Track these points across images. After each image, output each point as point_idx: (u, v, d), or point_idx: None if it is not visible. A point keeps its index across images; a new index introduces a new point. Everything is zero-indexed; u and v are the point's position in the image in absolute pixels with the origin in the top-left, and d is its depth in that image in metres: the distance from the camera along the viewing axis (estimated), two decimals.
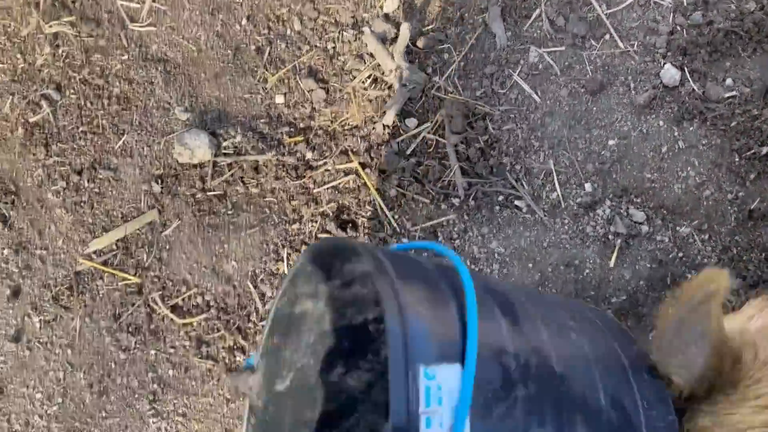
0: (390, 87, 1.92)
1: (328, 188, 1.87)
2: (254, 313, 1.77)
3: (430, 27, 1.97)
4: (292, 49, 2.02)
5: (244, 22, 2.05)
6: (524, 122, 1.85)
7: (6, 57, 2.07)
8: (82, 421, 1.74)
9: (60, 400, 1.76)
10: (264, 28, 2.04)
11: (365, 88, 1.94)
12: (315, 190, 1.88)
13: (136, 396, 1.74)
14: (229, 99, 1.99)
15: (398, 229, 1.81)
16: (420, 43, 1.95)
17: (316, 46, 2.01)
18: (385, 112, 1.90)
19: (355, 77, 1.96)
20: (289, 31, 2.03)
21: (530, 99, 1.86)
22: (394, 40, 1.95)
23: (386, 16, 2.01)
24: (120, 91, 2.01)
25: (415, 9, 2.00)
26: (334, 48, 2.00)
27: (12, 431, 1.75)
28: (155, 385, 1.74)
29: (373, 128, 1.91)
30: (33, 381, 1.78)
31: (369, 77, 1.95)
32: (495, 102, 1.88)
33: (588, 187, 1.78)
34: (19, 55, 2.07)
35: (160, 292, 1.81)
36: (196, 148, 1.90)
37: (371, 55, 1.96)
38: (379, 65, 1.94)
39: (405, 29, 1.88)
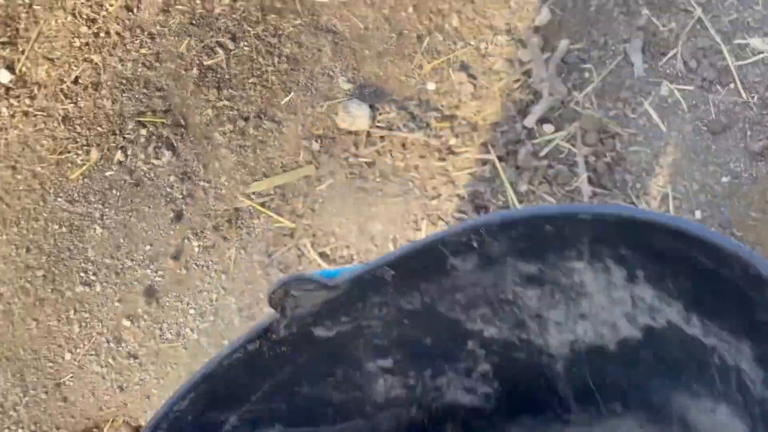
0: (535, 93, 2.06)
1: (466, 173, 2.02)
2: None
3: (575, 46, 2.10)
4: (448, 42, 2.14)
5: (410, 10, 2.16)
6: (649, 147, 2.01)
7: (186, 1, 2.16)
8: (230, 340, 1.88)
9: (212, 318, 1.90)
10: (426, 19, 2.16)
11: (511, 90, 2.08)
12: (453, 174, 2.02)
13: None
14: (387, 78, 2.11)
15: None
16: (565, 59, 2.09)
17: (470, 44, 2.14)
18: (526, 115, 2.05)
19: (502, 78, 2.10)
20: (447, 26, 2.15)
21: (657, 128, 2.02)
22: (542, 51, 2.09)
23: (536, 29, 2.14)
24: (290, 52, 2.12)
25: (564, 27, 2.13)
26: (486, 48, 2.13)
27: (163, 338, 1.90)
28: None
29: (513, 127, 2.05)
30: (187, 298, 1.92)
31: (517, 81, 2.09)
32: (625, 124, 2.03)
33: (698, 214, 1.94)
34: (198, 1, 2.16)
35: (311, 239, 1.95)
36: (358, 117, 2.02)
37: (520, 62, 2.10)
38: (527, 71, 2.08)
39: (564, 45, 2.01)
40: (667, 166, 1.98)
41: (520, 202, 1.96)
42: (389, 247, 1.94)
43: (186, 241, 1.95)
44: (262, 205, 1.98)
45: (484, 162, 2.01)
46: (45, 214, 1.97)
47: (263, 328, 0.78)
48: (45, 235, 1.95)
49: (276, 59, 2.10)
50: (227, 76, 2.09)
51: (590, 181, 1.98)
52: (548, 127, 2.05)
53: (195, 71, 2.09)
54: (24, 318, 1.90)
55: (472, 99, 2.08)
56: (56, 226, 1.96)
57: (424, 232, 1.94)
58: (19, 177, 1.99)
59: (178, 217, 1.97)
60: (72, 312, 1.90)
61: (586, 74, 2.07)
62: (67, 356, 1.88)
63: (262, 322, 0.79)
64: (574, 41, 2.10)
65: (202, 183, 2.00)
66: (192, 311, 1.90)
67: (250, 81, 2.08)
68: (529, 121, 2.02)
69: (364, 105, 2.03)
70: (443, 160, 2.02)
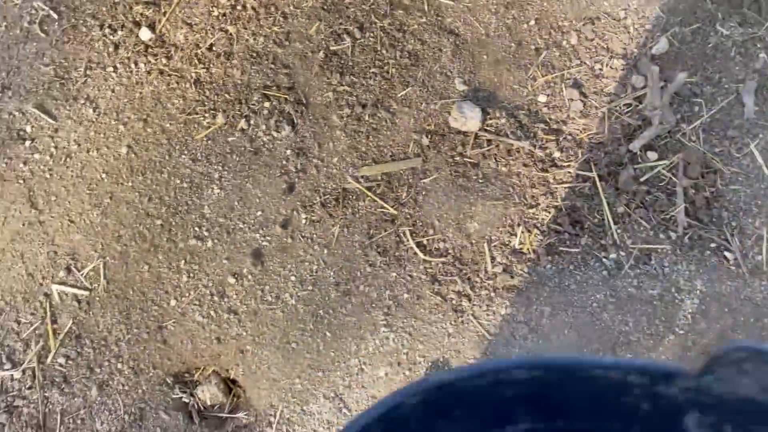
0: (644, 120, 2.08)
1: (565, 187, 2.05)
2: (483, 272, 1.98)
3: (689, 80, 2.11)
4: (564, 59, 2.17)
5: (532, 23, 2.19)
6: (749, 188, 2.01)
7: None
8: (325, 311, 1.96)
9: (310, 287, 1.98)
10: (546, 33, 2.19)
11: (620, 114, 2.10)
12: (554, 186, 2.06)
13: (373, 305, 1.96)
14: (501, 84, 2.15)
15: (618, 242, 2.00)
16: (678, 91, 2.10)
17: (585, 63, 2.16)
18: (632, 139, 2.07)
19: (613, 101, 2.12)
20: (565, 43, 2.18)
21: (760, 170, 2.02)
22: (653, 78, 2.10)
23: (653, 57, 2.15)
24: (412, 48, 2.17)
25: (680, 59, 2.14)
26: (600, 70, 2.15)
27: (264, 299, 1.99)
28: (390, 302, 1.96)
29: (617, 150, 2.08)
30: (290, 265, 2.00)
31: (627, 105, 2.11)
32: (729, 162, 2.04)
33: None
34: None
35: (410, 228, 2.02)
36: (470, 119, 2.07)
37: (633, 87, 2.12)
38: (639, 97, 2.10)
39: (681, 77, 2.02)
40: (765, 209, 1.99)
41: (615, 222, 1.99)
42: (483, 247, 1.99)
43: (295, 212, 2.03)
44: (369, 189, 2.04)
45: (585, 179, 2.04)
46: (169, 168, 2.07)
47: None
48: (167, 188, 2.05)
49: (398, 53, 2.16)
50: (350, 63, 2.16)
51: (687, 212, 2.00)
52: (652, 155, 2.06)
53: (321, 54, 2.16)
54: (138, 261, 2.01)
55: (580, 116, 2.11)
56: (178, 181, 2.06)
57: (518, 239, 1.99)
58: (149, 130, 2.09)
59: (290, 188, 2.05)
60: (182, 262, 2.00)
61: (696, 108, 2.08)
62: (173, 303, 1.98)
63: None
64: (689, 75, 2.10)
65: (315, 160, 2.08)
66: (293, 278, 1.98)
67: (372, 70, 2.15)
68: (635, 145, 2.04)
69: (477, 108, 2.07)
70: (545, 171, 2.06)
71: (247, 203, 2.04)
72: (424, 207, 2.02)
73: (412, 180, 2.05)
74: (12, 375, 1.94)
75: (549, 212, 2.01)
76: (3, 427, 1.91)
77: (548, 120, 2.11)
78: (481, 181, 2.04)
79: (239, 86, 2.14)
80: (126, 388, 1.93)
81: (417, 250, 1.98)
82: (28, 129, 2.09)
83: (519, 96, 2.13)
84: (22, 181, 2.05)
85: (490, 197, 2.02)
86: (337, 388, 1.90)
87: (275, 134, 2.09)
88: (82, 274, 2.00)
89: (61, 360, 1.95)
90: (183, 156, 2.08)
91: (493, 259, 1.97)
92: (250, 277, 1.98)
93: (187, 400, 1.95)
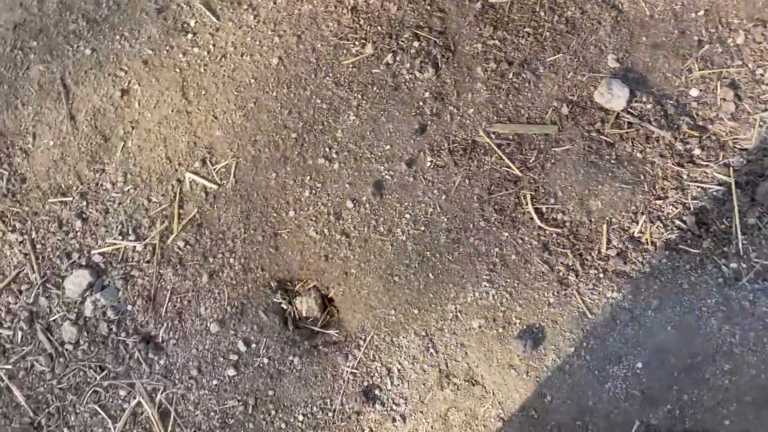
0: None
1: (698, 186, 1.97)
2: (596, 251, 1.94)
3: None
4: (726, 56, 2.06)
5: (700, 13, 2.08)
6: None
7: None
8: (432, 253, 1.98)
9: (422, 228, 2.00)
10: (713, 27, 2.07)
11: None
12: (686, 182, 1.97)
13: (480, 259, 1.96)
14: (654, 70, 2.06)
15: (741, 253, 1.91)
16: None
17: (747, 65, 2.04)
18: None
19: (767, 110, 2.00)
20: (730, 41, 2.06)
21: None
22: None
23: None
24: (571, 15, 2.11)
25: None
26: (762, 75, 2.03)
27: (376, 229, 2.02)
28: (497, 260, 1.95)
29: (762, 160, 1.97)
30: (407, 203, 2.02)
31: None
32: None
33: None
34: None
35: (532, 193, 1.99)
36: (616, 98, 2.00)
37: None
38: None
39: None
40: None
41: (743, 233, 1.90)
42: (602, 228, 1.94)
43: (422, 153, 2.04)
44: (499, 146, 2.02)
45: (721, 183, 1.95)
46: (312, 87, 2.10)
47: None
48: (307, 105, 2.09)
49: (556, 18, 2.10)
50: (506, 19, 2.11)
51: None
52: None
53: (478, 5, 2.13)
54: (267, 168, 2.07)
55: (730, 118, 2.00)
56: (319, 101, 2.09)
57: (639, 227, 1.93)
58: (301, 47, 2.13)
59: (422, 129, 2.05)
60: (308, 178, 2.05)
61: None
62: (291, 213, 2.04)
63: None
64: None
65: (451, 107, 2.07)
66: (407, 216, 2.00)
67: (525, 30, 2.10)
68: None
69: (626, 88, 2.00)
70: (681, 165, 1.97)
71: (378, 135, 2.05)
72: (550, 175, 1.98)
73: (543, 146, 2.01)
74: (134, 246, 2.06)
75: (676, 207, 1.94)
76: (117, 291, 2.05)
77: (695, 115, 2.01)
78: (613, 161, 1.98)
79: (393, 21, 2.14)
80: (233, 282, 2.01)
81: (534, 215, 1.95)
82: (192, 23, 2.17)
83: (670, 85, 2.04)
84: (178, 71, 2.14)
85: (619, 179, 1.96)
86: (430, 328, 1.92)
87: (418, 74, 2.09)
88: (214, 169, 2.08)
89: (180, 243, 2.05)
90: (327, 78, 2.11)
91: (609, 241, 1.93)
92: (367, 205, 2.01)
93: (285, 307, 2.02)
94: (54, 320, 2.02)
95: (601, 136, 2.00)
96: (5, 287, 2.05)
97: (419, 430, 1.88)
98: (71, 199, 2.10)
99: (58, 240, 2.08)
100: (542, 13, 2.09)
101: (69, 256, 2.06)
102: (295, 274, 2.04)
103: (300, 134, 2.07)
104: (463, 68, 2.08)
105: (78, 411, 1.96)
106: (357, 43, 2.11)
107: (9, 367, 2.00)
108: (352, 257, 1.99)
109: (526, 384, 1.83)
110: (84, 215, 2.09)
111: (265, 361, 1.95)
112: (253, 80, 2.10)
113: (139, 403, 1.95)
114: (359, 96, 2.07)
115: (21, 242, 2.08)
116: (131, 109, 2.13)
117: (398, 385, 1.90)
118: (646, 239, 1.91)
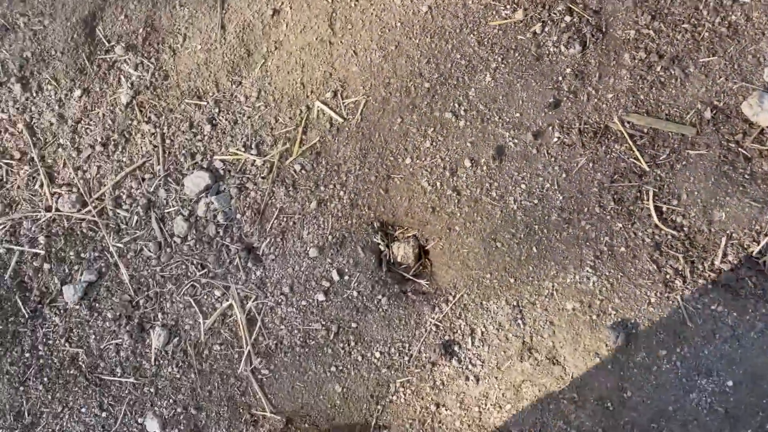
0: None
1: None
2: (709, 261, 1.86)
3: None
4: None
5: None
6: None
7: None
8: (540, 228, 1.95)
9: (535, 201, 1.97)
10: None
11: None
12: None
13: (587, 244, 1.92)
14: None
15: None
16: None
17: None
18: None
19: None
20: None
21: None
22: None
23: None
24: (735, 20, 1.99)
25: None
26: None
27: (488, 194, 2.00)
28: (605, 248, 1.91)
29: None
30: (525, 173, 1.99)
31: None
32: None
33: None
34: None
35: (655, 190, 1.92)
36: (765, 112, 1.88)
37: None
38: None
39: None
40: None
41: None
42: (720, 240, 1.86)
43: (550, 128, 2.00)
44: (631, 136, 1.96)
45: None
46: (454, 41, 2.09)
47: None
48: (446, 58, 2.08)
49: (719, 19, 2.00)
50: (666, 11, 2.02)
51: None
52: None
53: None
54: (394, 111, 2.08)
55: None
56: (458, 56, 2.08)
57: (760, 248, 1.84)
58: (452, 0, 2.12)
59: (556, 104, 2.01)
60: (431, 129, 2.05)
61: None
62: (407, 161, 2.05)
63: None
64: None
65: (590, 88, 2.01)
66: (523, 186, 1.97)
67: (684, 26, 2.01)
68: None
69: None
70: None
71: (510, 101, 2.03)
72: (678, 176, 1.91)
73: (677, 145, 1.94)
74: (254, 161, 2.12)
75: None
76: (231, 199, 2.12)
77: None
78: (747, 176, 1.89)
79: None
80: (339, 214, 2.05)
81: (654, 213, 1.89)
82: None
83: None
84: (330, 1, 2.16)
85: (749, 196, 1.87)
86: (522, 299, 1.90)
87: (563, 49, 2.03)
88: (344, 103, 2.11)
89: (297, 167, 2.10)
90: (472, 36, 2.08)
91: (725, 255, 1.85)
92: (485, 168, 1.99)
93: (382, 249, 2.04)
94: (168, 213, 2.12)
95: (739, 148, 1.90)
96: (131, 172, 2.16)
97: (490, 394, 1.88)
98: (206, 103, 2.18)
99: (186, 139, 2.16)
100: (705, 12, 1.99)
101: (193, 157, 2.15)
102: (399, 219, 2.05)
103: (433, 85, 2.06)
104: (610, 52, 2.01)
105: (174, 300, 2.06)
106: (509, 6, 2.07)
107: (120, 245, 2.11)
108: (458, 214, 1.98)
109: (609, 375, 1.80)
110: (214, 121, 2.16)
111: (355, 294, 1.98)
112: (399, 24, 2.10)
113: (230, 306, 2.02)
114: (499, 59, 2.05)
115: (153, 134, 2.18)
116: (278, 29, 2.18)
117: (479, 346, 1.90)
118: (764, 261, 1.82)
